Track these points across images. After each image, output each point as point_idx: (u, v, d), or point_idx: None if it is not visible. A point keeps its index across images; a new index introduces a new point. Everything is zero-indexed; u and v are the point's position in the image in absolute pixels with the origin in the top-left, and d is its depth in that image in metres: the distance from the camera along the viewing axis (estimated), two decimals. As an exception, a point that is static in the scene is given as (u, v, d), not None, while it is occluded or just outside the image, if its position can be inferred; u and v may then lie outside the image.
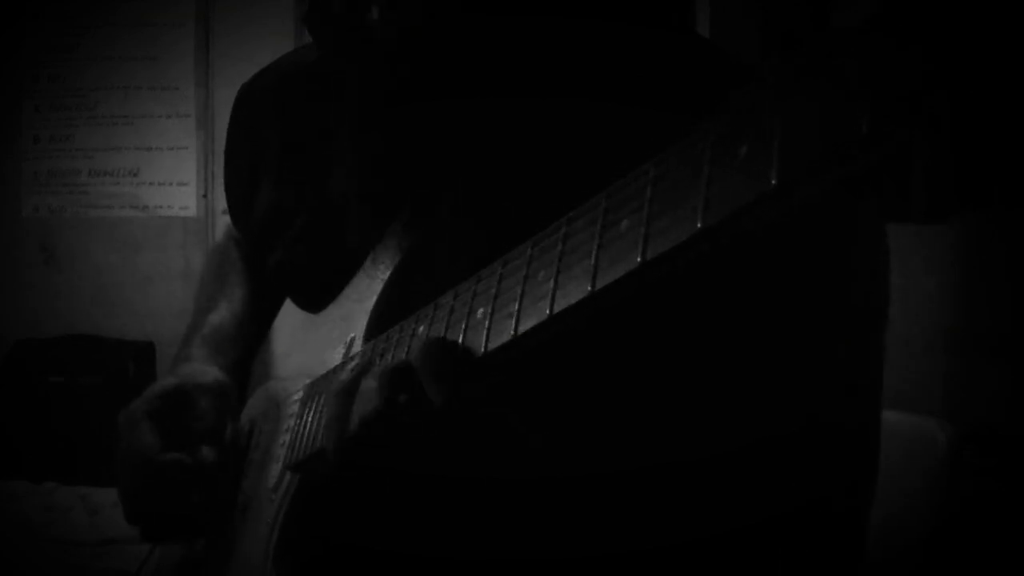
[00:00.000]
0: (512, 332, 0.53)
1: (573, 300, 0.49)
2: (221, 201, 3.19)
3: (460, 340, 0.58)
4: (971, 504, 1.95)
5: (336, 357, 0.76)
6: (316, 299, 0.84)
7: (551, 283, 0.51)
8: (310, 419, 0.74)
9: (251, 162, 0.95)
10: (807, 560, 0.69)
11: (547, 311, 0.51)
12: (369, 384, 0.61)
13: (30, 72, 3.29)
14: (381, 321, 0.72)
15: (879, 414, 0.72)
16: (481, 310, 0.57)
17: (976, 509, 2.00)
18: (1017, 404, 2.25)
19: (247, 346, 0.95)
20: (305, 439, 0.74)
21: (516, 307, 0.53)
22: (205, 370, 0.89)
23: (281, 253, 0.88)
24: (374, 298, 0.75)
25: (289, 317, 0.90)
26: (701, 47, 0.76)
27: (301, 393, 0.79)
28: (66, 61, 3.27)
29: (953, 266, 2.41)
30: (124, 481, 0.85)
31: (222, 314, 0.97)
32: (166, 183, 3.27)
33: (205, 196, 3.24)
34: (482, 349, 0.56)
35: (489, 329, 0.55)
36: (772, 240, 0.42)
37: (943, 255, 2.39)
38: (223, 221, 3.14)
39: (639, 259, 0.45)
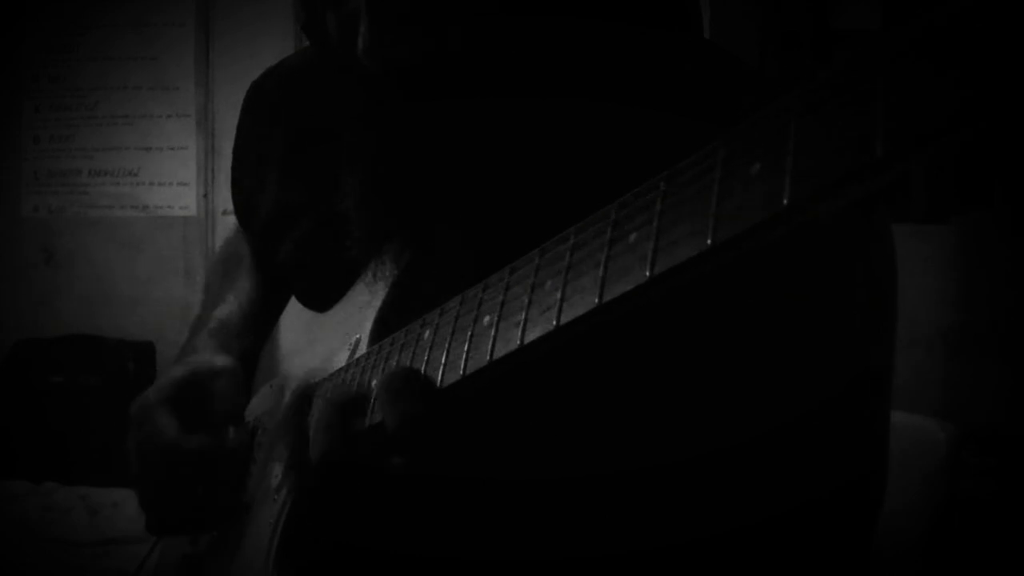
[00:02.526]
0: (519, 341, 0.53)
1: (580, 312, 0.49)
2: (221, 201, 3.21)
3: (466, 347, 0.58)
4: (971, 504, 1.95)
5: (341, 358, 0.76)
6: (322, 299, 0.83)
7: (558, 293, 0.51)
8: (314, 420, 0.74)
9: (258, 160, 0.95)
10: (815, 558, 0.69)
11: (554, 322, 0.51)
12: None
13: (30, 72, 3.29)
14: (386, 323, 0.72)
15: (888, 411, 0.72)
16: (488, 317, 0.57)
17: (976, 509, 2.00)
18: (1017, 404, 2.25)
19: (253, 341, 0.94)
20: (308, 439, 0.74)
21: (523, 316, 0.53)
22: (215, 357, 0.89)
23: (287, 252, 0.88)
24: (380, 300, 0.74)
25: (296, 316, 0.90)
26: (711, 51, 0.76)
27: (291, 397, 0.79)
28: (66, 61, 3.27)
29: (953, 266, 2.41)
30: (142, 470, 0.84)
31: (229, 308, 0.97)
32: (166, 183, 3.26)
33: (205, 196, 3.24)
34: (487, 357, 0.55)
35: (495, 337, 0.55)
36: (781, 243, 0.42)
37: (943, 255, 2.39)
38: (223, 221, 3.14)
39: (647, 273, 0.45)
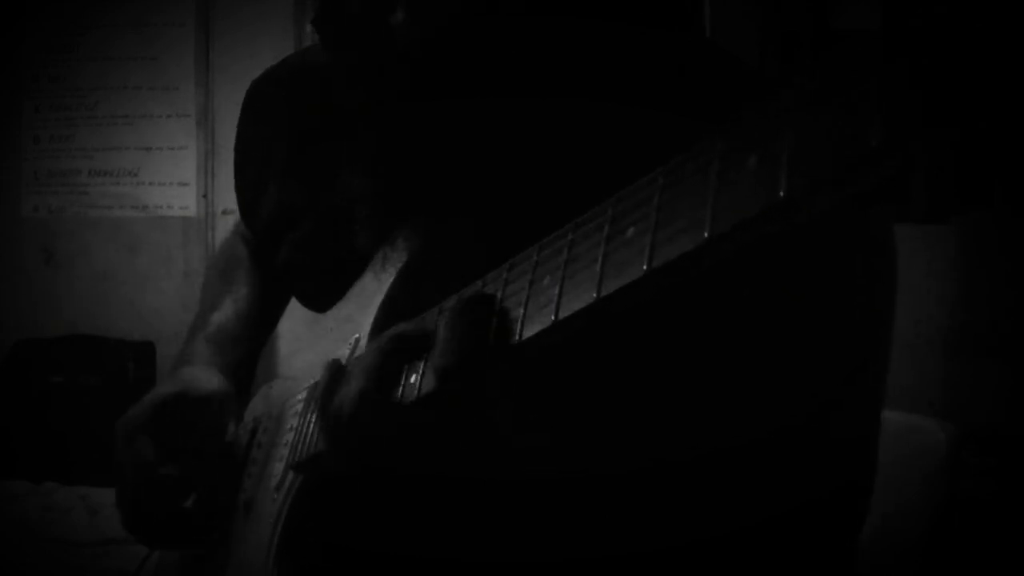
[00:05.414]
0: (517, 337, 0.53)
1: (578, 307, 0.49)
2: (221, 201, 3.21)
3: None
4: (971, 504, 1.95)
5: (341, 358, 0.76)
6: (321, 299, 0.83)
7: (556, 289, 0.51)
8: (314, 419, 0.74)
9: (260, 160, 0.94)
10: (807, 559, 0.69)
11: (552, 317, 0.51)
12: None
13: (30, 72, 3.29)
14: (386, 323, 0.72)
15: (879, 414, 0.72)
16: None
17: (976, 509, 2.00)
18: (1017, 404, 2.25)
19: (251, 345, 0.94)
20: (309, 439, 0.74)
21: (521, 312, 0.53)
22: (208, 377, 0.89)
23: (288, 252, 0.88)
24: (379, 299, 0.74)
25: (295, 316, 0.90)
26: (711, 51, 0.76)
27: (305, 393, 0.79)
28: (66, 61, 3.27)
29: (953, 266, 2.41)
30: (121, 491, 0.86)
31: (227, 312, 0.97)
32: (166, 183, 3.26)
33: (205, 196, 3.24)
34: None
35: None
36: (779, 240, 0.42)
37: (943, 255, 2.39)
38: (223, 221, 3.14)
39: (645, 267, 0.45)
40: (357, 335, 0.75)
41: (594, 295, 0.48)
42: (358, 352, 0.74)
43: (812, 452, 0.67)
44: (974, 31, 0.33)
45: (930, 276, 2.37)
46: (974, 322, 2.42)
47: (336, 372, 0.65)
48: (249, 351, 0.94)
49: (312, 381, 0.79)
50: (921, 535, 1.06)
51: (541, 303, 0.52)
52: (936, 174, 0.34)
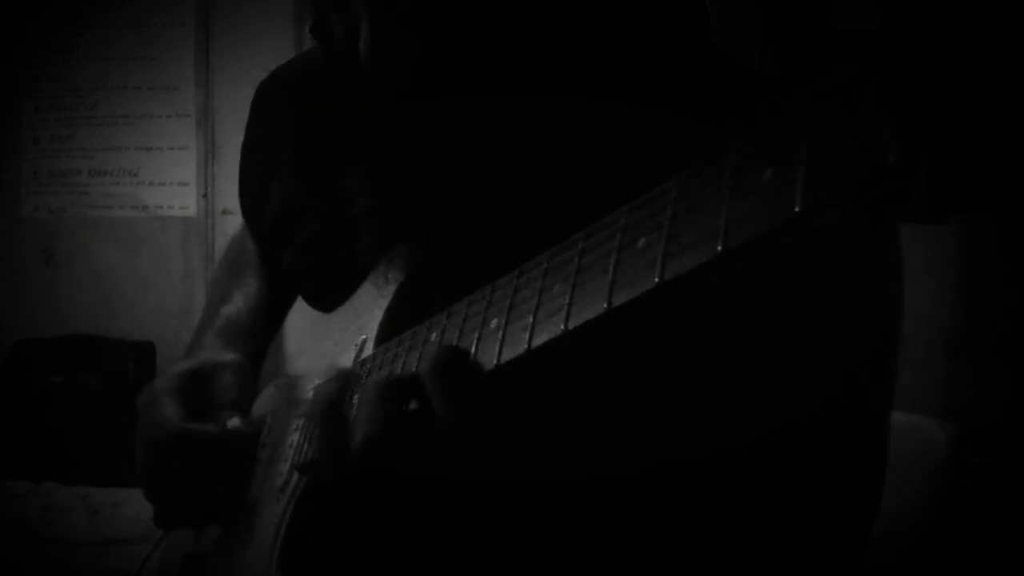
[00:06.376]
0: (526, 345, 0.53)
1: (589, 316, 0.49)
2: (221, 201, 3.21)
3: (473, 350, 0.57)
4: (971, 504, 1.95)
5: (347, 359, 0.76)
6: (327, 299, 0.84)
7: (567, 298, 0.51)
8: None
9: (264, 161, 0.95)
10: (812, 558, 0.69)
11: (562, 326, 0.51)
12: (369, 397, 0.61)
13: (30, 72, 3.29)
14: (393, 324, 0.72)
15: (886, 415, 0.72)
16: (495, 320, 0.56)
17: (976, 509, 2.00)
18: (1017, 404, 2.25)
19: (260, 340, 0.95)
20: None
21: (531, 319, 0.53)
22: (222, 352, 0.89)
23: (291, 254, 0.88)
24: (387, 301, 0.74)
25: (301, 316, 0.90)
26: (711, 51, 0.76)
27: (311, 394, 0.79)
28: (66, 61, 3.27)
29: (953, 266, 2.41)
30: (147, 458, 0.85)
31: (237, 306, 0.97)
32: (166, 183, 3.26)
33: (205, 196, 3.24)
34: (495, 360, 0.55)
35: (503, 341, 0.55)
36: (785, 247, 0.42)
37: (943, 255, 2.39)
38: (223, 221, 3.14)
39: (656, 279, 0.45)
40: (364, 336, 0.75)
41: (604, 305, 0.48)
42: (364, 354, 0.74)
43: (813, 452, 0.67)
44: (974, 31, 0.33)
45: (930, 276, 2.37)
46: (974, 322, 2.42)
47: (344, 384, 0.65)
48: (258, 346, 0.94)
49: (318, 381, 0.79)
50: (921, 535, 1.06)
51: (551, 311, 0.52)
52: (936, 174, 0.34)
